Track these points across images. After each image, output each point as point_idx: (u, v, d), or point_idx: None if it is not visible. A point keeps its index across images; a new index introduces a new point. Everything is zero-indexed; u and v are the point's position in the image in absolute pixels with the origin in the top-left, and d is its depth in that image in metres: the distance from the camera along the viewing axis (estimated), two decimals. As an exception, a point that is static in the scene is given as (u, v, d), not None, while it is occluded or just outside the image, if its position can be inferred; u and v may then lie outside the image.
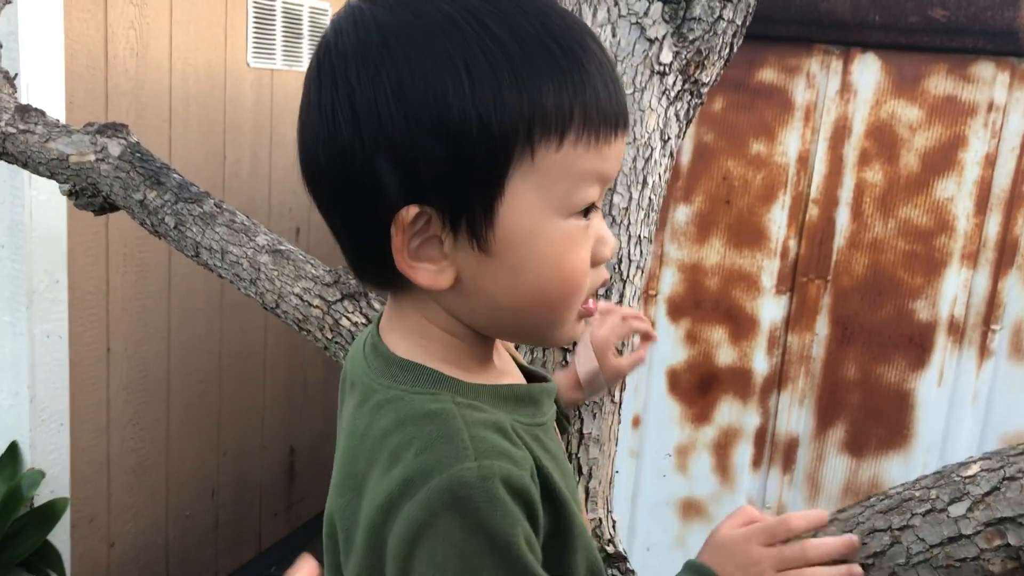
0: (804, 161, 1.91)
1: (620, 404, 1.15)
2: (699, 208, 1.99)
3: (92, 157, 1.25)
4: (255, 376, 3.01)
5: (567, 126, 0.61)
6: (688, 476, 2.06)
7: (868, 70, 1.84)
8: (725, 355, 2.01)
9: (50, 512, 2.24)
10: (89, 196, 1.29)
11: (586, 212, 0.64)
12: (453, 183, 0.61)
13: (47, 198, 2.15)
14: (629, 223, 1.14)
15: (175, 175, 1.24)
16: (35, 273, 2.17)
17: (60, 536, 2.33)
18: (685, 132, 1.24)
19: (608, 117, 0.63)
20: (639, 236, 1.15)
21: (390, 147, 0.60)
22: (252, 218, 1.22)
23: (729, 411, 2.02)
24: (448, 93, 0.59)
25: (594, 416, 1.11)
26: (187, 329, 2.68)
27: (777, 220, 1.94)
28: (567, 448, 1.09)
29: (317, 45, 0.65)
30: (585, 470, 1.10)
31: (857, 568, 0.69)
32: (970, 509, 0.64)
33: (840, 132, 1.88)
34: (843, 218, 1.90)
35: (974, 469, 0.66)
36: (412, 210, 0.60)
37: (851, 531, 0.71)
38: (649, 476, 2.09)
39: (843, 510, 0.73)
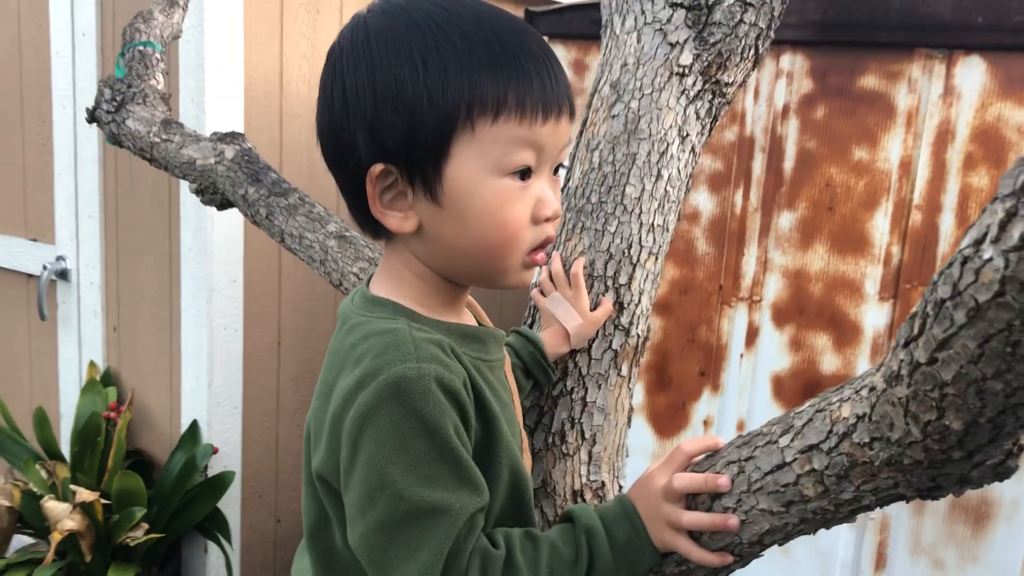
0: (907, 167, 1.89)
1: (629, 378, 1.24)
2: (802, 214, 2.01)
3: (212, 160, 1.51)
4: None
5: (501, 106, 0.78)
6: (791, 483, 2.06)
7: (972, 72, 1.80)
8: (829, 362, 2.01)
9: (220, 483, 2.56)
10: (211, 194, 1.55)
11: (523, 175, 0.80)
12: (409, 147, 0.79)
13: (225, 208, 2.48)
14: (641, 212, 1.24)
15: (272, 174, 1.47)
16: (215, 273, 2.51)
17: (232, 509, 2.66)
18: (711, 130, 1.32)
19: (539, 102, 0.79)
20: (652, 224, 1.24)
21: (364, 120, 0.79)
22: (328, 210, 1.42)
23: (832, 419, 2.01)
24: (407, 79, 0.77)
25: (599, 387, 1.21)
26: (348, 329, 2.96)
27: (880, 226, 1.93)
28: (570, 413, 1.20)
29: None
30: (588, 435, 1.20)
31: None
32: (792, 439, 0.70)
33: (943, 136, 1.84)
34: (947, 224, 1.86)
35: (804, 407, 0.72)
36: (378, 167, 0.79)
37: (716, 465, 0.78)
38: (752, 481, 2.10)
39: (721, 449, 0.81)
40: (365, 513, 0.74)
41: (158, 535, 2.37)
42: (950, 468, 0.57)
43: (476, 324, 0.93)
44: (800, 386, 2.04)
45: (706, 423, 2.16)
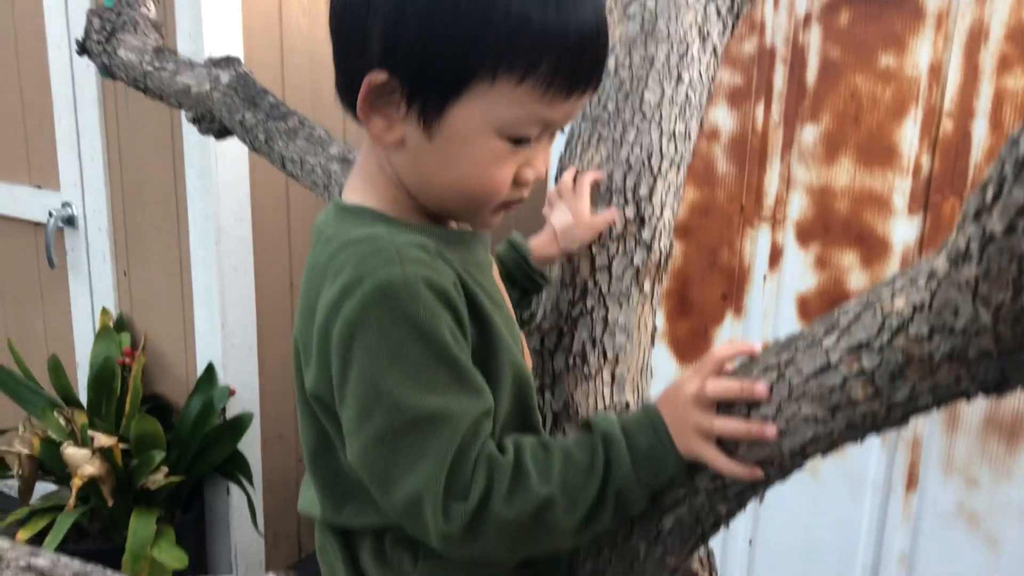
0: (936, 72, 1.79)
1: (652, 296, 1.18)
2: (826, 127, 1.92)
3: (207, 87, 1.44)
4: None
5: (530, 72, 0.71)
6: (819, 405, 2.02)
7: (1006, -34, 1.70)
8: (856, 280, 1.94)
9: (238, 425, 2.54)
10: (208, 122, 1.48)
11: (520, 142, 0.75)
12: (422, 70, 0.71)
13: (229, 146, 2.42)
14: (660, 118, 1.17)
15: (270, 97, 1.40)
16: (222, 212, 2.45)
17: (252, 451, 2.64)
18: (733, 29, 1.23)
19: (569, 79, 0.73)
20: (672, 132, 1.17)
21: (385, 19, 0.71)
22: (330, 133, 1.36)
23: (861, 338, 1.95)
24: None
25: (620, 305, 1.15)
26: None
27: (908, 136, 1.84)
28: (591, 333, 1.14)
29: None
30: (611, 355, 1.15)
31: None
32: (837, 339, 0.64)
33: (976, 37, 1.75)
34: (980, 130, 1.77)
35: (849, 303, 0.66)
36: (383, 75, 0.72)
37: (752, 371, 0.72)
38: (779, 405, 2.06)
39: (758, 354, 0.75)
40: (362, 427, 0.70)
41: (179, 478, 2.35)
42: (1022, 357, 0.52)
43: (456, 228, 0.87)
44: (827, 306, 1.97)
45: (730, 348, 2.11)
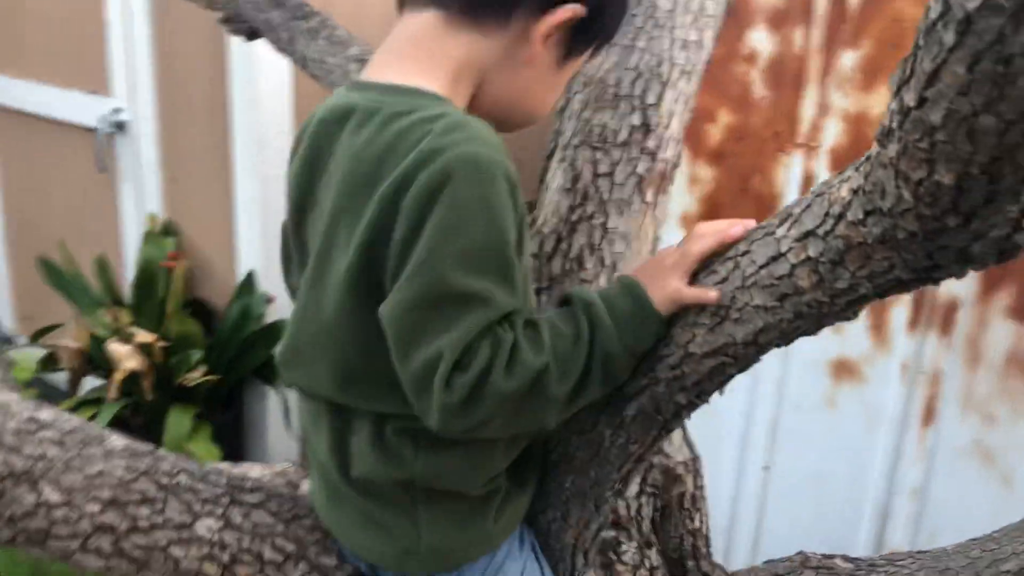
0: None
1: (655, 206, 1.18)
2: (867, 53, 1.88)
3: (236, -14, 1.46)
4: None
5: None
6: (842, 335, 2.00)
7: None
8: (887, 211, 1.91)
9: (275, 331, 2.61)
10: (237, 23, 1.51)
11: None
12: (600, 18, 0.84)
13: (273, 57, 2.44)
14: (674, 26, 1.16)
15: (295, -3, 1.42)
16: (265, 123, 2.49)
17: (289, 355, 2.72)
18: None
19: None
20: (685, 40, 1.16)
21: None
22: (350, 33, 1.37)
23: (888, 270, 1.93)
24: None
25: (621, 213, 1.16)
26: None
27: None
28: (590, 239, 1.16)
29: None
30: (608, 262, 1.16)
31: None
32: (789, 228, 0.65)
33: (1027, -39, 1.68)
34: None
35: (808, 194, 0.67)
36: (582, 11, 0.80)
37: (715, 264, 0.74)
38: (802, 334, 2.06)
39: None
40: (407, 286, 0.71)
41: (215, 378, 2.45)
42: (946, 240, 0.52)
43: None
44: (856, 237, 1.96)
45: (756, 275, 2.10)
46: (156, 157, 2.74)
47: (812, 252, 0.63)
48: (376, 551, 0.86)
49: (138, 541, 0.84)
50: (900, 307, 1.92)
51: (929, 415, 1.93)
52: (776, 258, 0.66)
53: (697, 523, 1.17)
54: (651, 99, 1.16)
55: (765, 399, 2.12)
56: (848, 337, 2.00)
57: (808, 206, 0.64)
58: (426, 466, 0.82)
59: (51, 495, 0.81)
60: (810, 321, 0.67)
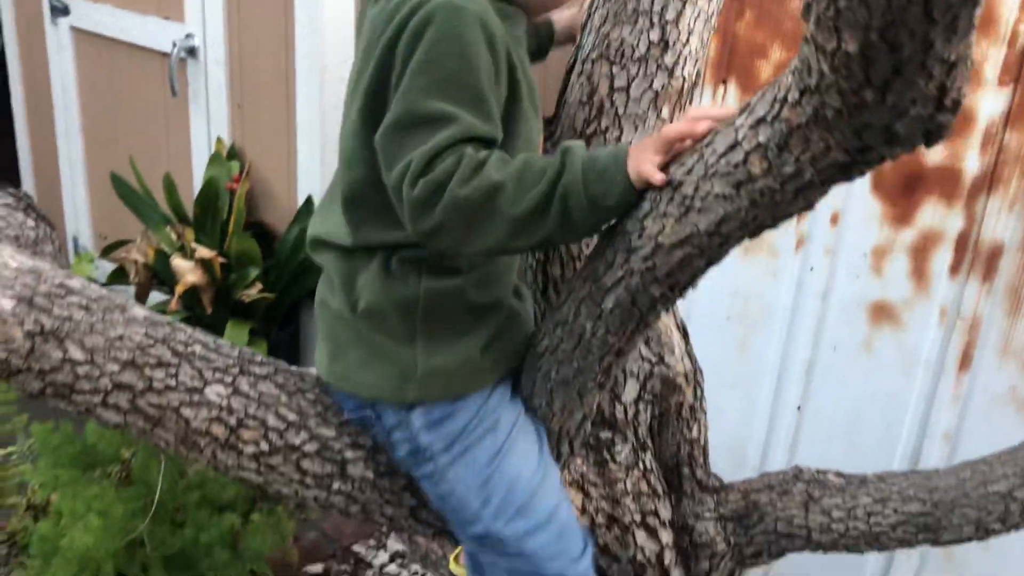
0: (1047, -70, 1.68)
1: (670, 121, 1.20)
2: (923, -10, 1.83)
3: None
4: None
5: None
6: (882, 278, 1.99)
7: None
8: (935, 153, 1.88)
9: (331, 254, 2.71)
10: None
11: None
12: None
13: (337, -14, 2.50)
14: (692, -58, 1.16)
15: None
16: (327, 50, 2.56)
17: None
18: None
19: None
20: (704, -43, 1.17)
21: None
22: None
23: (932, 213, 1.90)
24: None
25: (636, 128, 1.18)
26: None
27: (1009, 1, 1.74)
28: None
29: None
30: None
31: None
32: (746, 117, 0.68)
33: None
34: (1086, -3, 1.66)
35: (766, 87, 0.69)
36: None
37: (683, 155, 0.77)
38: (842, 275, 2.05)
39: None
40: (393, 111, 0.85)
41: (271, 295, 2.55)
42: (869, 116, 0.54)
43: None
44: (901, 179, 1.93)
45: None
46: (224, 83, 2.83)
47: (762, 138, 0.65)
48: (377, 386, 0.97)
49: (153, 400, 0.92)
50: (943, 251, 1.90)
51: (966, 361, 1.91)
52: (733, 147, 0.69)
53: (695, 433, 1.20)
54: (670, 15, 1.17)
55: (802, 339, 2.13)
56: (889, 282, 1.99)
57: (763, 95, 0.66)
58: (427, 288, 0.93)
59: (76, 353, 0.89)
60: (765, 210, 0.70)
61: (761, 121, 0.65)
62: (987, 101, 1.80)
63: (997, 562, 1.92)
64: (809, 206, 0.69)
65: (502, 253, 0.94)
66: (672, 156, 0.79)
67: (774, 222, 0.72)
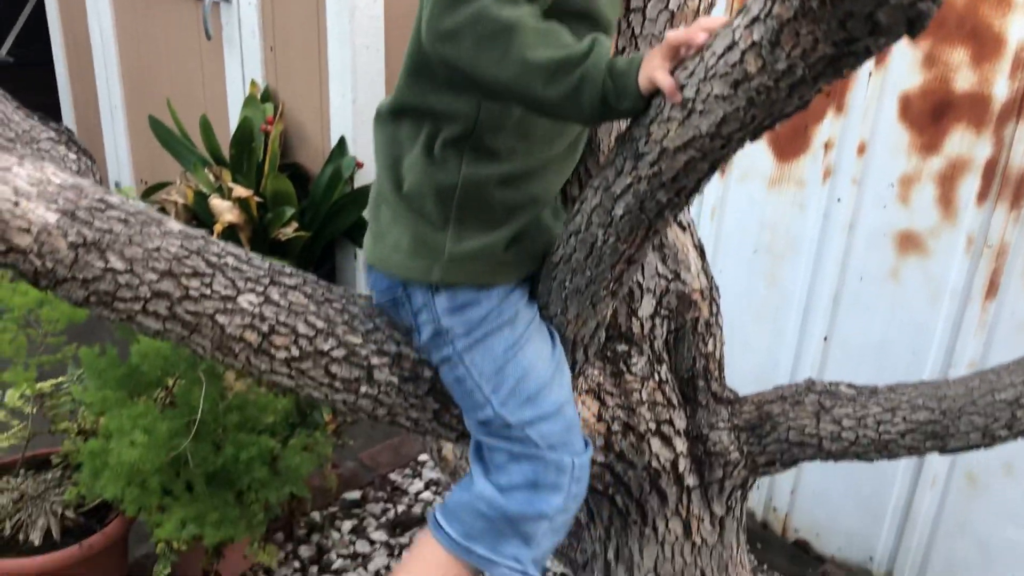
0: None
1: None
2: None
3: None
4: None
5: None
6: (909, 208, 2.00)
7: None
8: (963, 79, 1.87)
9: (364, 195, 2.76)
10: None
11: None
12: None
13: (364, -76, 2.51)
14: None
15: None
16: (356, -10, 2.58)
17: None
18: None
19: None
20: None
21: None
22: None
23: (960, 141, 1.90)
24: None
25: (651, 46, 1.20)
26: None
27: (1041, -80, 1.72)
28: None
29: None
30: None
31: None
32: (742, 18, 0.70)
33: None
34: (1119, -87, 1.63)
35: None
36: None
37: (686, 60, 0.79)
38: (869, 205, 2.05)
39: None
40: None
41: (306, 234, 2.61)
42: (851, 5, 0.56)
43: None
44: (929, 106, 1.92)
45: (827, 145, 2.09)
46: (257, 26, 2.87)
47: (756, 36, 0.68)
48: (410, 266, 1.03)
49: (189, 308, 0.98)
50: (970, 179, 1.90)
51: (992, 288, 1.92)
52: (731, 47, 0.71)
53: (711, 347, 1.24)
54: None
55: (829, 270, 2.14)
56: (915, 210, 1.99)
57: (759, -3, 0.69)
58: (466, 176, 0.98)
59: (116, 263, 0.95)
60: (762, 109, 0.73)
61: (755, 20, 0.68)
62: (1018, 24, 1.78)
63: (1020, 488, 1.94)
64: (804, 104, 0.72)
65: (500, 97, 0.93)
66: (679, 62, 0.82)
67: (772, 122, 0.75)
